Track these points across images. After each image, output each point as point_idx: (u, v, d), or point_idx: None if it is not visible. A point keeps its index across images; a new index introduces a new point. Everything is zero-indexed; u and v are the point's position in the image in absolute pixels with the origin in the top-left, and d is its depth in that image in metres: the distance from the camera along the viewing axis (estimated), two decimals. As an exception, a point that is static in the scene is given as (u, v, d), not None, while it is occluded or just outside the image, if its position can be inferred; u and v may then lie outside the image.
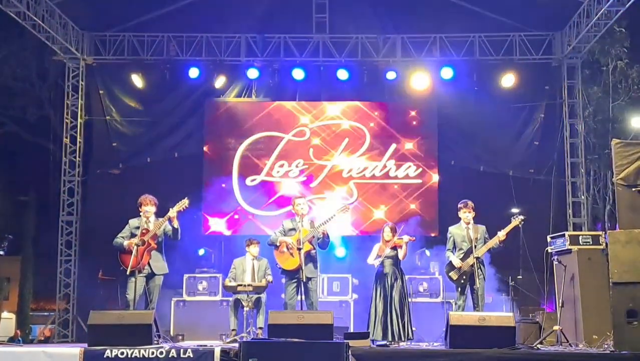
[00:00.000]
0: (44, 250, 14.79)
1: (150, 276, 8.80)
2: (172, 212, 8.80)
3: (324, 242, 9.21)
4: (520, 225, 9.15)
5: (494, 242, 9.02)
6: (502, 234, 9.04)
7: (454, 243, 9.23)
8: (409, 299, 9.55)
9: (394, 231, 9.45)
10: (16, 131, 18.17)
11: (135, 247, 8.65)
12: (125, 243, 8.80)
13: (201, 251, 12.82)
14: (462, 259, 9.04)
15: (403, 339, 9.07)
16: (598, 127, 14.69)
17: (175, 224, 8.86)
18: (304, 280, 8.94)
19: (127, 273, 8.67)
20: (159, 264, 8.88)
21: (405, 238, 9.42)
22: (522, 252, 11.54)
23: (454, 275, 9.08)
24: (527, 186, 13.39)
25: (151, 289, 8.83)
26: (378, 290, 9.32)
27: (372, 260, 9.49)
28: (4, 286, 12.51)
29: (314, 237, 9.07)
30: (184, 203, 8.90)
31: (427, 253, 12.18)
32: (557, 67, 13.68)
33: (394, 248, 9.36)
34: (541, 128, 13.60)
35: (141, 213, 8.94)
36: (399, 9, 13.33)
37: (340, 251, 12.90)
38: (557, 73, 13.68)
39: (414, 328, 9.41)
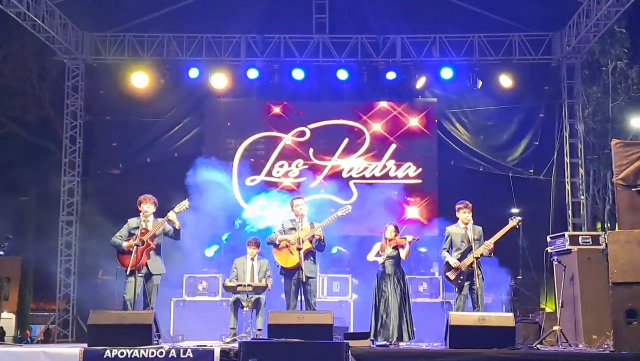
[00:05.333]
0: (44, 250, 14.78)
1: (148, 276, 8.78)
2: (172, 214, 8.79)
3: (321, 245, 9.20)
4: (518, 226, 9.12)
5: (483, 249, 8.98)
6: (490, 242, 8.97)
7: (451, 243, 9.20)
8: (410, 300, 9.54)
9: (396, 230, 9.43)
10: (16, 131, 18.16)
11: (135, 247, 8.65)
12: (125, 244, 8.76)
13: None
14: (460, 259, 9.03)
15: (406, 339, 9.06)
16: (597, 127, 14.73)
17: (177, 225, 8.86)
18: (304, 280, 8.93)
19: (127, 272, 8.68)
20: (156, 264, 8.85)
21: (409, 237, 9.38)
22: (522, 252, 11.57)
23: (451, 275, 9.07)
24: (527, 186, 13.41)
25: (149, 289, 8.81)
26: (380, 291, 9.29)
27: (372, 257, 9.45)
28: (4, 286, 12.50)
29: (313, 236, 9.06)
30: (185, 204, 8.90)
31: (423, 249, 12.16)
32: (556, 68, 13.70)
33: (396, 247, 9.34)
34: (541, 128, 13.62)
35: (140, 213, 8.94)
36: (398, 10, 13.35)
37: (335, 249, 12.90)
38: (557, 73, 13.70)
39: (413, 329, 9.42)
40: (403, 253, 9.34)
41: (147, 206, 8.91)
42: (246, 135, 13.78)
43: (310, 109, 13.88)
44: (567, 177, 13.47)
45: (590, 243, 9.48)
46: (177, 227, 8.85)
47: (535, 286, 12.07)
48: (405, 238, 9.36)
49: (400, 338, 9.04)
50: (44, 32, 12.58)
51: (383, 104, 13.90)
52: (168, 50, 13.70)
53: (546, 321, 9.68)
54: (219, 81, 13.59)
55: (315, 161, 13.72)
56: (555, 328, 8.86)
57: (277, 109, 13.86)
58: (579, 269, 9.32)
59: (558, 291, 9.40)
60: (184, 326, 11.37)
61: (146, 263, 8.74)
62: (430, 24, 13.54)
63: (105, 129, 13.82)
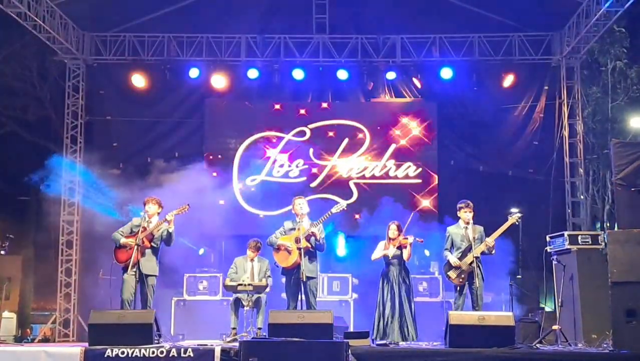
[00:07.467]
0: (45, 250, 14.82)
1: (142, 277, 8.76)
2: (170, 215, 8.83)
3: (320, 245, 9.21)
4: (517, 222, 9.15)
5: (483, 247, 9.00)
6: (490, 240, 9.00)
7: (452, 243, 9.23)
8: (413, 300, 9.54)
9: (399, 229, 9.43)
10: (17, 131, 18.17)
11: (135, 247, 8.69)
12: (122, 240, 8.85)
13: (201, 251, 12.85)
14: (460, 259, 9.05)
15: (410, 339, 9.08)
16: (597, 127, 14.73)
17: (171, 228, 8.86)
18: (304, 280, 8.94)
19: (122, 270, 8.74)
20: (150, 264, 8.86)
21: (411, 238, 9.37)
22: (522, 252, 11.57)
23: (452, 274, 9.09)
24: (527, 186, 13.42)
25: (145, 290, 8.83)
26: (385, 291, 9.30)
27: (379, 254, 9.42)
28: (5, 285, 12.56)
29: (311, 235, 9.07)
30: (184, 208, 8.94)
31: (427, 252, 12.20)
32: (556, 68, 13.70)
33: (399, 247, 9.33)
34: (540, 128, 13.63)
35: (142, 213, 9.01)
36: (398, 10, 13.36)
37: (341, 251, 12.92)
38: (556, 73, 13.70)
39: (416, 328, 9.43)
40: (405, 254, 9.34)
41: (149, 207, 8.97)
42: (246, 135, 13.80)
43: (310, 109, 13.90)
44: (567, 177, 13.48)
45: (590, 242, 9.51)
46: (170, 230, 8.87)
47: (535, 286, 12.08)
48: (407, 238, 9.36)
49: (404, 337, 9.05)
50: (44, 32, 12.60)
51: (383, 104, 13.92)
52: (168, 51, 13.72)
53: (546, 320, 9.71)
54: (219, 81, 13.62)
55: (316, 161, 13.74)
56: (555, 327, 8.89)
57: (277, 109, 13.88)
58: (578, 268, 9.35)
59: (557, 290, 9.43)
60: (185, 326, 11.40)
61: (138, 262, 8.75)
62: (430, 24, 13.55)
63: (106, 129, 13.83)
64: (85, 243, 13.25)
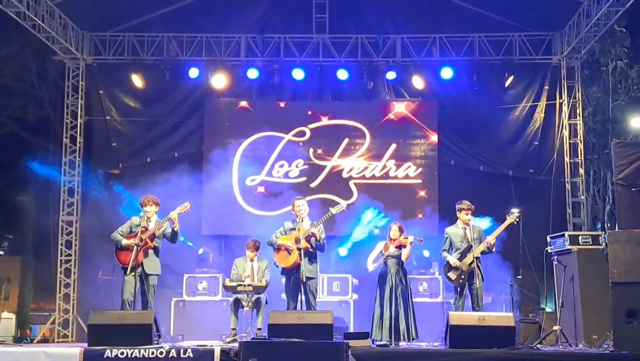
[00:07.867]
0: (44, 250, 14.79)
1: (144, 276, 8.77)
2: (173, 214, 8.83)
3: (320, 245, 9.19)
4: (516, 222, 9.13)
5: (484, 246, 8.99)
6: (491, 238, 8.99)
7: (451, 244, 9.20)
8: (412, 299, 9.52)
9: (401, 230, 9.41)
10: (16, 131, 18.15)
11: (135, 247, 8.68)
12: (124, 241, 8.83)
13: (200, 251, 12.84)
14: (459, 259, 9.02)
15: (408, 339, 9.06)
16: (598, 127, 14.72)
17: (176, 227, 8.88)
18: (304, 280, 8.92)
19: (124, 271, 8.72)
20: (152, 264, 8.88)
21: (411, 238, 9.35)
22: (522, 252, 11.56)
23: (452, 275, 9.06)
24: (527, 186, 13.40)
25: (146, 290, 8.82)
26: (382, 290, 9.28)
27: (370, 265, 9.44)
28: (4, 286, 12.56)
29: (311, 235, 9.05)
30: (186, 206, 8.94)
31: (426, 253, 12.17)
32: (556, 67, 13.68)
33: (399, 247, 9.32)
34: (541, 128, 13.62)
35: (141, 213, 8.99)
36: (398, 9, 13.37)
37: (342, 251, 12.90)
38: (557, 73, 13.68)
39: (416, 328, 9.40)
40: (404, 254, 9.32)
41: (148, 207, 8.96)
42: (246, 135, 13.78)
43: (310, 109, 13.88)
44: (567, 177, 13.45)
45: (590, 242, 9.50)
46: (175, 229, 8.88)
47: (535, 286, 12.06)
48: (407, 238, 9.33)
49: (403, 337, 9.02)
50: (44, 32, 12.57)
51: (383, 104, 13.89)
52: (168, 50, 13.70)
53: (546, 321, 9.69)
54: (219, 80, 13.58)
55: (315, 161, 13.72)
56: (555, 327, 8.87)
57: (277, 109, 13.86)
58: (579, 269, 9.34)
59: (558, 291, 9.42)
60: (184, 326, 11.39)
61: (142, 262, 8.74)
62: (430, 24, 13.53)
63: (105, 129, 13.81)
64: (84, 243, 13.23)
